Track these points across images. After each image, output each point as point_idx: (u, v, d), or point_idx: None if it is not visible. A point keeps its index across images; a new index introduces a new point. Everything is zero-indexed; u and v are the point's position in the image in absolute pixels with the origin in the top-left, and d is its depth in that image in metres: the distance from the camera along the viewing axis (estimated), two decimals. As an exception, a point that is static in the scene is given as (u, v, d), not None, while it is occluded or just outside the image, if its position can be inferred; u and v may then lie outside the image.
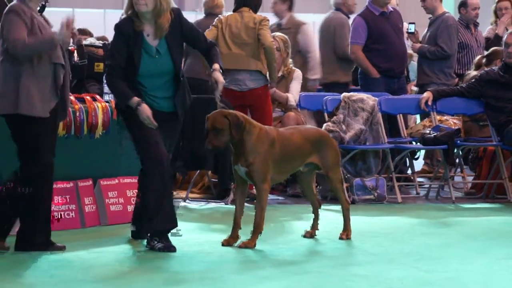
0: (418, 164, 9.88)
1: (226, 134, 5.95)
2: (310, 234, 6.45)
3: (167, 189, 5.97)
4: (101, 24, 21.72)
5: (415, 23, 9.80)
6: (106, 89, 7.28)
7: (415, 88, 10.47)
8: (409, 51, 10.10)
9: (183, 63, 7.87)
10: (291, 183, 8.48)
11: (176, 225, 6.05)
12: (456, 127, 8.79)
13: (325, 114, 8.72)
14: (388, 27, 9.16)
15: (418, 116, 9.93)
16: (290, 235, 6.58)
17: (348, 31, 9.44)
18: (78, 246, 6.14)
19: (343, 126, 8.49)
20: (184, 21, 6.05)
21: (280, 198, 8.55)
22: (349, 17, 9.81)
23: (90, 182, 6.98)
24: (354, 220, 6.68)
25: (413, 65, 11.01)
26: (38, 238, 5.91)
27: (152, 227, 5.98)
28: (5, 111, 5.80)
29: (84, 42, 8.09)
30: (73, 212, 6.84)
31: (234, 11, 8.28)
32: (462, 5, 10.08)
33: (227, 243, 6.08)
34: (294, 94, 8.71)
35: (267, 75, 8.23)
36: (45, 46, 5.74)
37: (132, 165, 6.86)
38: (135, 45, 5.92)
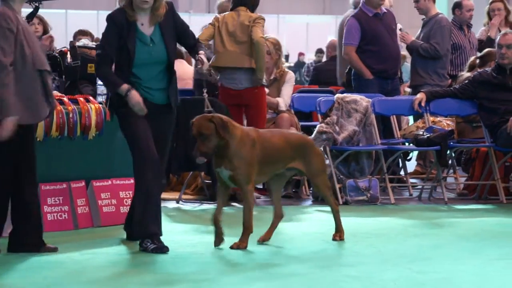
0: (411, 165, 9.90)
1: (214, 139, 5.90)
2: (263, 240, 6.28)
3: (155, 192, 5.97)
4: (95, 25, 21.72)
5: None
6: (99, 90, 7.28)
7: (408, 89, 10.50)
8: (403, 52, 10.12)
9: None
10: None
11: (155, 241, 6.00)
12: (449, 128, 8.81)
13: (319, 115, 8.74)
14: (382, 28, 9.17)
15: (411, 118, 9.94)
16: (281, 236, 6.58)
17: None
18: (71, 248, 6.14)
19: (337, 127, 8.50)
20: (176, 15, 6.15)
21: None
22: None
23: (83, 184, 6.98)
24: (347, 221, 6.69)
25: (406, 66, 11.04)
26: (30, 239, 5.91)
27: (142, 231, 6.00)
28: None
29: (77, 44, 8.10)
30: (66, 213, 6.84)
31: (231, 10, 8.31)
32: (457, 7, 10.09)
33: (219, 243, 6.09)
34: (285, 98, 8.71)
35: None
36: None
37: (125, 166, 6.86)
38: (128, 34, 5.94)
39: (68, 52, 7.80)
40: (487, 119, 8.63)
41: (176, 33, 6.12)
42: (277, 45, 8.71)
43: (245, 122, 8.21)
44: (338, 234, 6.44)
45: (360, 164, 8.52)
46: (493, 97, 8.56)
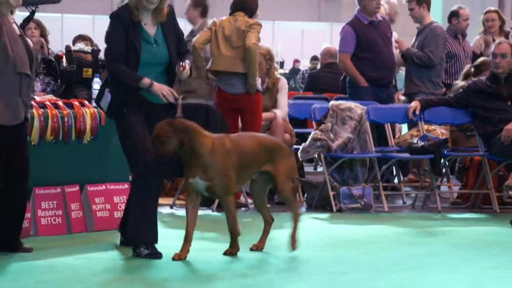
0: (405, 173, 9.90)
1: (172, 142, 5.79)
2: (257, 248, 6.23)
3: (152, 198, 5.96)
4: (90, 30, 21.70)
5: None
6: (94, 94, 7.26)
7: (403, 97, 10.50)
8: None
9: None
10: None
11: (149, 247, 5.98)
12: (443, 137, 8.81)
13: (313, 122, 8.74)
14: (377, 36, 9.18)
15: (404, 126, 9.94)
16: (274, 242, 6.54)
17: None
18: (65, 252, 6.13)
19: (331, 135, 8.51)
20: (176, 19, 6.16)
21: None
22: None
23: (77, 188, 6.96)
24: (341, 228, 6.70)
25: (401, 74, 11.03)
26: (8, 238, 5.99)
27: (137, 237, 5.99)
28: None
29: (73, 48, 8.08)
30: (60, 217, 6.83)
31: (230, 15, 8.32)
32: (454, 15, 10.11)
33: (178, 257, 5.90)
34: (283, 109, 8.70)
35: (259, 81, 8.25)
36: None
37: (120, 171, 6.86)
38: (134, 33, 5.93)
39: (64, 56, 7.78)
40: (481, 128, 8.63)
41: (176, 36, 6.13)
42: (267, 55, 8.68)
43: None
44: (292, 243, 6.20)
45: (354, 172, 8.52)
46: (487, 106, 8.57)
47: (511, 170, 8.37)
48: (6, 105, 5.81)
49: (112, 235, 6.56)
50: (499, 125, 8.45)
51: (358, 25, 9.16)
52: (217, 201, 8.11)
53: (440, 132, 9.03)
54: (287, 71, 26.83)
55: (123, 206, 6.78)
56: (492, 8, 10.86)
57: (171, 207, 8.26)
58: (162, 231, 6.30)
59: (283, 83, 8.85)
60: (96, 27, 23.95)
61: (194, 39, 8.47)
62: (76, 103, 7.01)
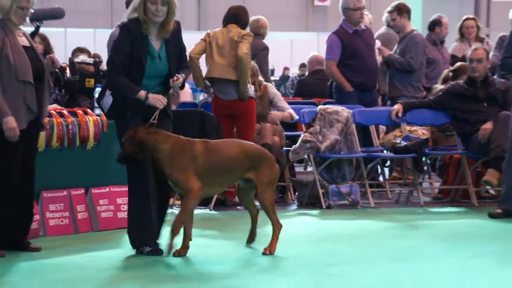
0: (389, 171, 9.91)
1: (128, 146, 5.81)
2: (249, 242, 6.15)
3: (147, 198, 5.93)
4: (92, 43, 21.68)
5: None
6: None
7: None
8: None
9: None
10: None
11: (157, 236, 6.00)
12: (425, 137, 8.83)
13: (303, 125, 8.76)
14: (361, 44, 9.19)
15: (388, 127, 9.95)
16: (267, 237, 6.52)
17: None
18: (72, 251, 6.13)
19: (320, 137, 8.52)
20: (181, 35, 6.10)
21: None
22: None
23: (82, 191, 6.96)
24: (330, 224, 6.70)
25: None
26: (16, 239, 5.98)
27: (138, 238, 5.99)
28: None
29: (76, 60, 8.09)
30: (67, 219, 6.83)
31: (223, 26, 8.33)
32: (437, 24, 10.16)
33: (178, 253, 5.88)
34: (289, 109, 8.74)
35: (252, 88, 8.26)
36: None
37: (122, 174, 6.81)
38: (142, 47, 5.89)
39: (67, 68, 7.79)
40: (459, 128, 8.66)
41: (178, 52, 6.08)
42: (253, 69, 8.62)
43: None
44: (269, 248, 5.99)
45: (342, 171, 8.53)
46: (465, 108, 8.59)
47: (488, 166, 8.39)
48: (11, 111, 5.81)
49: (116, 234, 6.56)
50: (476, 125, 8.47)
51: (343, 34, 9.17)
52: (214, 200, 8.12)
53: (422, 132, 9.05)
54: (277, 78, 26.80)
55: (125, 207, 6.78)
56: (471, 16, 10.90)
57: (171, 207, 8.23)
58: (163, 230, 6.29)
59: (271, 88, 8.85)
60: (98, 40, 23.92)
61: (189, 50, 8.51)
62: (80, 111, 7.02)
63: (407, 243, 6.54)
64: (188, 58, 8.02)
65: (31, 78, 5.89)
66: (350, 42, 9.15)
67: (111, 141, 6.81)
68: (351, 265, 5.74)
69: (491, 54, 9.19)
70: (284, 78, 27.66)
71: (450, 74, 9.47)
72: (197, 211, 8.10)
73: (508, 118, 7.92)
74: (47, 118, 6.64)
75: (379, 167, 9.16)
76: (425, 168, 9.06)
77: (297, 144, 8.50)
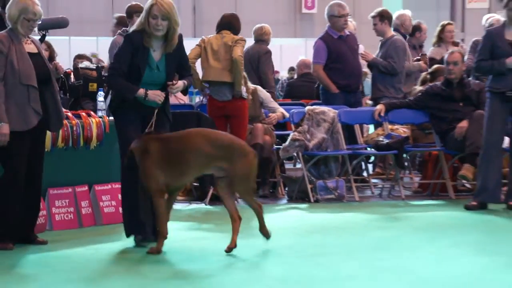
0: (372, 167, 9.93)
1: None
2: (229, 249, 5.70)
3: (132, 188, 5.93)
4: (94, 50, 21.64)
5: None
6: (99, 106, 7.27)
7: (369, 102, 10.54)
8: (364, 69, 10.16)
9: None
10: (262, 185, 8.47)
11: (140, 233, 6.00)
12: (405, 135, 8.85)
13: (292, 125, 8.77)
14: (345, 48, 9.20)
15: (371, 126, 9.98)
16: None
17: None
18: (77, 244, 6.13)
19: (308, 135, 8.54)
20: (183, 47, 6.08)
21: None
22: (406, 37, 9.84)
23: (86, 188, 6.97)
24: (318, 217, 6.69)
25: (368, 81, 11.08)
26: (24, 233, 5.98)
27: (130, 229, 6.04)
28: None
29: (80, 65, 8.07)
30: (72, 214, 6.83)
31: (217, 33, 8.34)
32: (418, 30, 10.20)
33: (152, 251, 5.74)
34: (280, 109, 8.76)
35: (244, 89, 8.26)
36: None
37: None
38: (142, 57, 5.90)
39: (72, 73, 7.78)
40: (437, 127, 8.68)
41: (177, 63, 6.07)
42: (244, 77, 8.60)
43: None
44: (264, 234, 5.86)
45: (329, 167, 8.54)
46: (443, 108, 8.61)
47: (463, 162, 8.41)
48: (17, 113, 5.84)
49: (118, 228, 6.56)
50: (453, 123, 8.49)
51: (329, 40, 9.18)
52: (209, 195, 8.12)
53: (402, 131, 9.08)
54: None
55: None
56: (451, 22, 10.93)
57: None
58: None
59: (261, 92, 8.85)
60: (100, 47, 23.89)
61: None
62: (84, 114, 7.02)
63: (390, 234, 6.56)
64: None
65: (34, 82, 5.90)
66: (335, 47, 9.16)
67: (113, 141, 6.80)
68: (338, 255, 5.76)
69: (466, 57, 9.22)
70: (274, 81, 27.62)
71: (428, 76, 9.48)
72: (193, 206, 8.15)
73: (482, 117, 7.95)
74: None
75: (363, 163, 9.17)
76: (406, 164, 9.07)
77: (287, 143, 8.52)
